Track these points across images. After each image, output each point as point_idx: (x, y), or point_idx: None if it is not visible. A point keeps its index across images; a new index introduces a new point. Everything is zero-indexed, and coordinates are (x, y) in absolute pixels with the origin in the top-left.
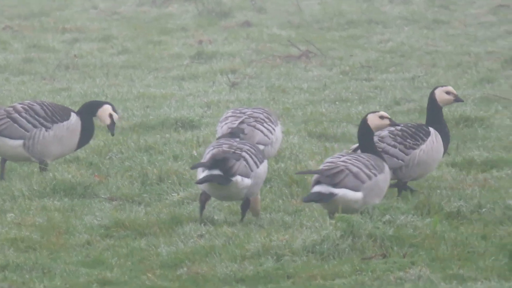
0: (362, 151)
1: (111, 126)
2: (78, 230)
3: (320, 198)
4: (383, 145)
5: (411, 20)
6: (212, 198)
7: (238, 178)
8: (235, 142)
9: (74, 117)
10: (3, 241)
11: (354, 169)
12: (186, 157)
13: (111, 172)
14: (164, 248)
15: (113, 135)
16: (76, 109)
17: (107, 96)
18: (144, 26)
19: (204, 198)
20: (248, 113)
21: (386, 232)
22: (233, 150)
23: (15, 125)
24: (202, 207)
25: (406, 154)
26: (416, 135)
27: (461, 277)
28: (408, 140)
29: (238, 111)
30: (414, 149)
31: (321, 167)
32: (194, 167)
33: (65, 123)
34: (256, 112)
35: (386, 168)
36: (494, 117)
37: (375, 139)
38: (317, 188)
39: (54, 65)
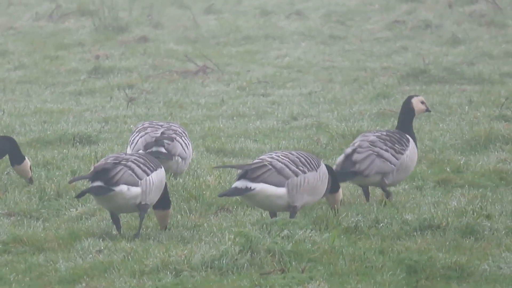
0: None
1: (31, 178)
2: None
3: (236, 192)
4: (376, 149)
5: (307, 36)
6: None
7: (122, 187)
8: (122, 154)
9: None
10: None
11: (279, 165)
12: (84, 172)
13: (9, 187)
14: (62, 263)
15: (32, 183)
16: None
17: (4, 111)
18: (40, 41)
19: (114, 216)
20: (165, 125)
21: (285, 247)
22: (117, 161)
23: None
24: (116, 224)
25: (397, 159)
26: (401, 140)
27: None
28: (396, 145)
29: (155, 123)
30: (402, 154)
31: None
32: (73, 180)
33: None
34: (174, 126)
35: (322, 167)
36: None
37: (365, 143)
38: (235, 184)
39: None
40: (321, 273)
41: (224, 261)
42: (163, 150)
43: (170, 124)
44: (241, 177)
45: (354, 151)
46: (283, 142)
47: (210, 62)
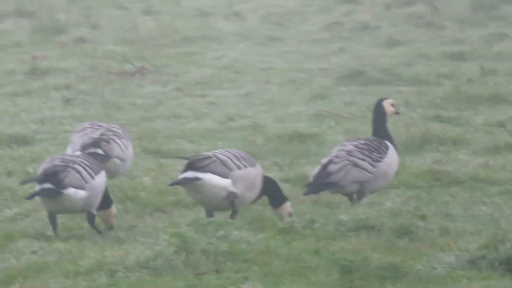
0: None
1: None
2: None
3: (185, 182)
4: (352, 158)
5: (245, 37)
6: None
7: (70, 190)
8: (67, 156)
9: None
10: None
11: (223, 157)
12: (19, 173)
13: None
14: None
15: None
16: None
17: None
18: None
19: (52, 216)
20: (105, 126)
21: (220, 247)
22: (65, 163)
23: None
24: (52, 225)
25: (374, 167)
26: (380, 148)
27: None
28: (374, 154)
29: (95, 124)
30: (379, 162)
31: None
32: (25, 182)
33: None
34: (114, 127)
35: (258, 166)
36: (327, 133)
37: (342, 153)
38: (183, 174)
39: None
40: (256, 274)
41: (159, 262)
42: (100, 151)
43: (111, 125)
44: (188, 168)
45: (330, 161)
46: (220, 143)
47: (148, 63)
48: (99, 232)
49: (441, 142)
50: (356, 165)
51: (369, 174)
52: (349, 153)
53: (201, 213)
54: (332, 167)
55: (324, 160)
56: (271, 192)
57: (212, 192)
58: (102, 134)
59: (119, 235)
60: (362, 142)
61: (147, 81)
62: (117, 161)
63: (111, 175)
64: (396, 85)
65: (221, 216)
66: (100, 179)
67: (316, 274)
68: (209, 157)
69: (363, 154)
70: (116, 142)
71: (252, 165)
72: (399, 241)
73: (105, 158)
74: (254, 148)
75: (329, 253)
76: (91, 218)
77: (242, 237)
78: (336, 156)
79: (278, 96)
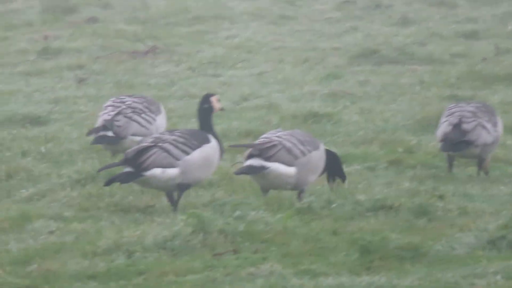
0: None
1: None
2: None
3: (251, 171)
4: (480, 120)
5: (257, 16)
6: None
7: (155, 171)
8: (165, 134)
9: None
10: None
11: (288, 144)
12: (34, 153)
13: None
14: (14, 244)
15: None
16: None
17: None
18: None
19: (168, 194)
20: (127, 103)
21: (237, 228)
22: (153, 144)
23: None
24: (169, 199)
25: (495, 131)
26: (493, 112)
27: (313, 272)
28: (492, 118)
29: (118, 100)
30: (497, 126)
31: (256, 142)
32: (103, 168)
33: None
34: (136, 102)
35: (321, 146)
36: (342, 113)
37: (467, 114)
38: (249, 162)
39: None
40: (274, 254)
41: (176, 242)
42: (110, 134)
43: (133, 100)
44: (253, 155)
45: (461, 121)
46: (235, 122)
47: (160, 43)
48: (174, 208)
49: None
50: (483, 126)
51: (492, 138)
52: (474, 114)
53: (218, 193)
54: (466, 126)
55: (454, 120)
56: (332, 168)
57: (277, 179)
58: (118, 113)
59: (136, 215)
60: (480, 105)
61: (160, 61)
62: (136, 138)
63: None
64: (410, 64)
65: (237, 197)
66: (201, 153)
67: (335, 255)
68: (275, 145)
69: (486, 116)
70: (134, 120)
71: (316, 148)
72: (417, 221)
73: (114, 140)
74: (269, 128)
75: (348, 233)
76: (181, 191)
77: (260, 217)
78: (464, 116)
79: (292, 76)
